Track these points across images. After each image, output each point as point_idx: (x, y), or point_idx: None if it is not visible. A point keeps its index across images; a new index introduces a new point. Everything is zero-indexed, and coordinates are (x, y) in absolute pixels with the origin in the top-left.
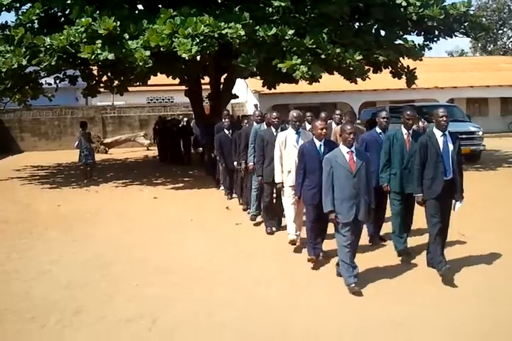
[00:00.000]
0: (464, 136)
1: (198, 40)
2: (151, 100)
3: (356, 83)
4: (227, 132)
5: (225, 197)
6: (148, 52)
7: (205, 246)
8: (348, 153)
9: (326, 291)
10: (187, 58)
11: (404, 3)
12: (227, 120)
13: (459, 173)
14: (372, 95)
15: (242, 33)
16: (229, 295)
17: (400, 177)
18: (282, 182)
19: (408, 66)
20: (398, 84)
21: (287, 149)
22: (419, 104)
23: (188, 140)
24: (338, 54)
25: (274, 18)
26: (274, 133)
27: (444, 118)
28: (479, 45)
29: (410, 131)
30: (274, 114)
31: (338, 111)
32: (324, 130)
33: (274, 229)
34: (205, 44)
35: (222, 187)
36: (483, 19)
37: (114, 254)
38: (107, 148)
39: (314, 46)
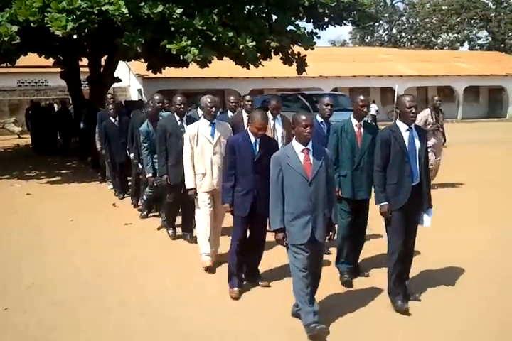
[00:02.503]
0: None
1: (74, 16)
2: (23, 83)
3: (248, 68)
4: (113, 120)
5: (112, 193)
6: (15, 28)
7: (89, 253)
8: (302, 152)
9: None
10: (61, 36)
11: None
12: (111, 106)
13: (425, 177)
14: (260, 83)
15: (125, 10)
16: (125, 320)
17: (351, 179)
18: (195, 188)
19: (299, 53)
20: (285, 72)
21: (200, 145)
22: (309, 93)
23: (66, 127)
24: (230, 38)
25: None
26: (179, 123)
27: (413, 110)
28: (358, 36)
29: (361, 122)
30: (179, 98)
31: (248, 97)
32: (262, 130)
33: (175, 233)
34: (82, 20)
35: (110, 186)
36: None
37: None
38: None
39: (205, 28)
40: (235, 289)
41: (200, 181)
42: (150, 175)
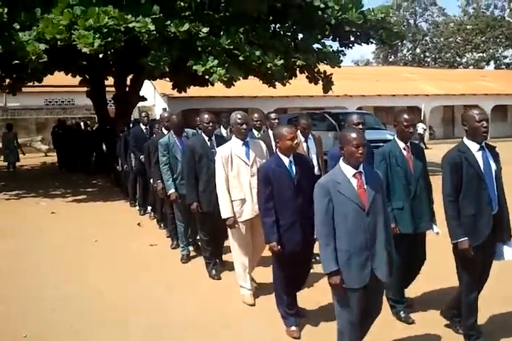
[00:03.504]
0: (380, 144)
1: (101, 34)
2: (50, 102)
3: (275, 87)
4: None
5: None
6: (42, 46)
7: (113, 276)
8: (355, 176)
9: None
10: (88, 53)
11: (322, 6)
12: (159, 125)
13: (504, 203)
14: (284, 101)
15: (152, 27)
16: None
17: (410, 211)
18: (234, 217)
19: (325, 71)
20: (309, 91)
21: (235, 168)
22: (335, 111)
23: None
24: (257, 57)
25: (187, 13)
26: (208, 143)
27: (485, 124)
28: (381, 56)
29: (408, 144)
30: (206, 115)
31: (273, 115)
32: (295, 141)
33: (216, 276)
34: (109, 38)
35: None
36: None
37: None
38: None
39: (231, 47)
40: (293, 328)
41: (239, 208)
42: (172, 191)
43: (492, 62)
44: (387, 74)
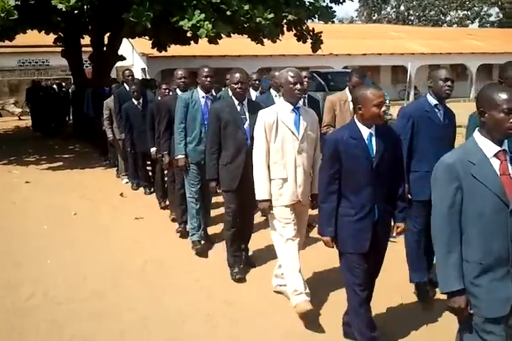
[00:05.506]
0: None
1: None
2: (23, 63)
3: (263, 44)
4: (135, 102)
5: (118, 181)
6: (13, 2)
7: (95, 255)
8: (497, 156)
9: None
10: (64, 10)
11: None
12: (134, 86)
13: None
14: (267, 61)
15: None
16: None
17: None
18: (270, 200)
19: (313, 29)
20: (293, 50)
21: (279, 140)
22: (324, 71)
23: (62, 108)
24: (246, 11)
25: None
26: (238, 108)
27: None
28: (365, 14)
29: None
30: (238, 74)
31: (255, 75)
32: (383, 107)
33: (241, 275)
34: None
35: (126, 179)
36: None
37: None
38: None
39: (218, 1)
40: None
41: (278, 190)
42: (181, 156)
43: (477, 21)
44: (373, 32)
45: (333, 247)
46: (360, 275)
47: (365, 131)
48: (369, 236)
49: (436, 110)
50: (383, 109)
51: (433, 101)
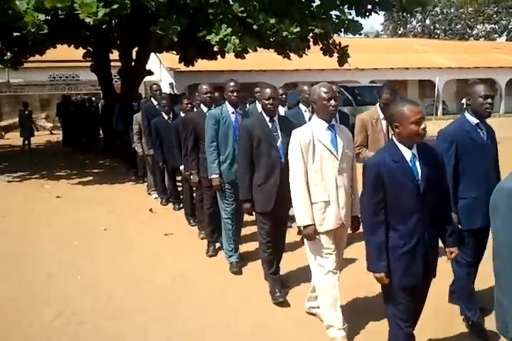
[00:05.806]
0: None
1: (105, 2)
2: (54, 78)
3: (290, 59)
4: (166, 117)
5: (152, 197)
6: (42, 16)
7: (123, 271)
8: None
9: None
10: (92, 23)
11: None
12: (164, 101)
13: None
14: (294, 75)
15: None
16: None
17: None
18: (314, 225)
19: (340, 43)
20: (319, 64)
21: (318, 159)
22: (351, 85)
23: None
24: (272, 25)
25: None
26: (269, 124)
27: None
28: (390, 27)
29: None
30: (269, 90)
31: (281, 90)
32: (422, 125)
33: (282, 298)
34: (114, 6)
35: (155, 195)
36: None
37: None
38: (2, 133)
39: (245, 14)
40: None
41: (321, 214)
42: (216, 176)
43: (504, 34)
44: (399, 46)
45: (386, 283)
46: (406, 310)
47: (407, 153)
48: (421, 268)
49: (479, 130)
50: (422, 126)
51: (474, 120)
